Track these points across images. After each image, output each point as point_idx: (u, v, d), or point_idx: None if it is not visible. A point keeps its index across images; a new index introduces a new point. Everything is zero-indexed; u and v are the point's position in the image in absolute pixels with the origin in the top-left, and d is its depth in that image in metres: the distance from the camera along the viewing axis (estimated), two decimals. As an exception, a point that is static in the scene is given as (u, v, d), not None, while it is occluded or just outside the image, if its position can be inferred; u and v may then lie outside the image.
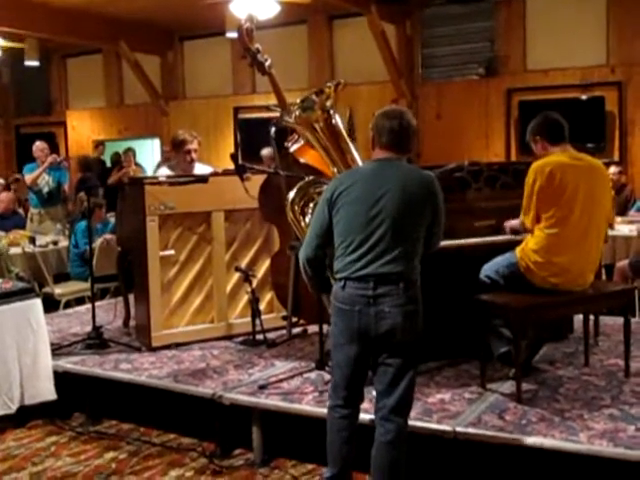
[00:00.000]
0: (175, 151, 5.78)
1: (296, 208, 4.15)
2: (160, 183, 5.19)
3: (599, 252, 4.22)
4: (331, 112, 4.17)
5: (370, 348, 3.26)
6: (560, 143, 4.08)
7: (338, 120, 4.21)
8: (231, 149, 11.50)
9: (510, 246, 4.21)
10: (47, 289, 6.95)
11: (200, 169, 5.68)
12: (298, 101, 4.18)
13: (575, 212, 3.96)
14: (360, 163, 4.08)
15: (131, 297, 5.68)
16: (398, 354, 3.22)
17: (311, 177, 4.25)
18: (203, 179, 5.25)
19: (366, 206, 3.22)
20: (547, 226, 3.98)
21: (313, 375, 4.41)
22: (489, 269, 4.21)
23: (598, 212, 4.08)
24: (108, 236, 7.12)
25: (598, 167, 4.16)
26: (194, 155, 5.62)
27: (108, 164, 12.29)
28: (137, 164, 11.38)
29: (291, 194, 4.18)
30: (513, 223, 4.30)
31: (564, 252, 3.97)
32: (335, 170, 4.11)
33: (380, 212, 3.20)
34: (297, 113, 4.15)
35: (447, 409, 3.86)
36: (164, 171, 5.71)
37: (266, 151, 8.30)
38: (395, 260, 3.18)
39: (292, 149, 4.86)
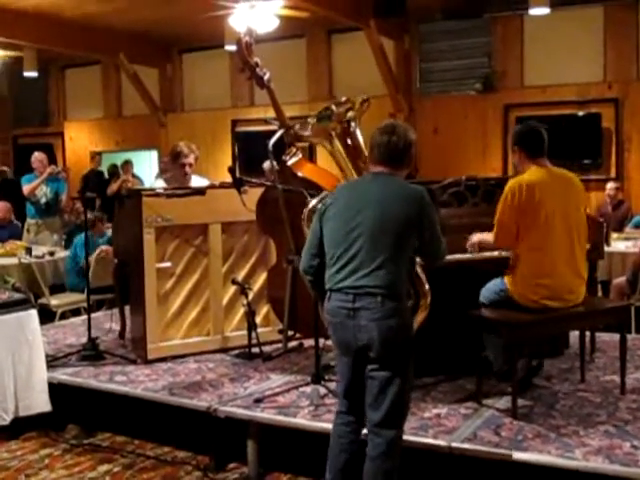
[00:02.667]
0: (172, 162, 5.79)
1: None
2: (157, 195, 5.19)
3: (584, 263, 4.15)
4: (352, 124, 4.21)
5: (359, 360, 3.25)
6: (537, 158, 4.05)
7: (358, 134, 4.23)
8: (229, 162, 11.52)
9: (507, 261, 4.18)
10: (43, 300, 6.92)
11: (196, 181, 5.69)
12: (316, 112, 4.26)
13: (556, 229, 3.94)
14: None
15: (127, 309, 5.67)
16: (382, 367, 3.19)
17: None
18: (200, 191, 5.26)
19: (345, 220, 3.26)
20: (530, 247, 3.95)
21: (309, 389, 4.38)
22: (482, 295, 4.20)
23: (579, 225, 4.07)
24: (105, 247, 7.11)
25: (573, 181, 4.14)
26: (188, 169, 5.63)
27: (105, 175, 12.29)
28: (135, 176, 11.38)
29: (313, 201, 4.19)
30: (483, 238, 4.18)
31: (551, 272, 3.96)
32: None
33: (357, 226, 3.22)
34: (313, 121, 4.22)
35: (443, 424, 3.85)
36: (160, 184, 5.71)
37: (267, 164, 8.30)
38: (372, 274, 3.16)
39: (289, 163, 4.88)
